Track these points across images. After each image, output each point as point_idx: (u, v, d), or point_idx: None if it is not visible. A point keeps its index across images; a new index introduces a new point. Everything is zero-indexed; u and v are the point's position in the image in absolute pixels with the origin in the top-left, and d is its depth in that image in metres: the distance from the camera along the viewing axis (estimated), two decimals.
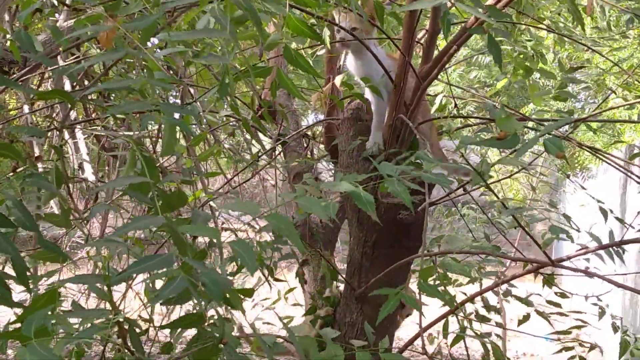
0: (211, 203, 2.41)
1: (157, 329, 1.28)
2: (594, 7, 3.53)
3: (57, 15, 2.92)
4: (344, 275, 2.53)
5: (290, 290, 3.04)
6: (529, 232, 2.21)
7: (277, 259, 2.19)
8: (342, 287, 2.64)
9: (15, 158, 1.31)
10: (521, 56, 3.20)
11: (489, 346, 1.98)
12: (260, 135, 2.98)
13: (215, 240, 1.21)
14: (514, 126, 1.43)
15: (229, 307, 1.28)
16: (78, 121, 3.20)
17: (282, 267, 3.24)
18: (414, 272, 2.57)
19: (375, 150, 2.39)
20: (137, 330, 1.34)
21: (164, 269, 1.06)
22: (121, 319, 1.23)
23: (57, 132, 3.02)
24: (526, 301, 2.62)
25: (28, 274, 1.27)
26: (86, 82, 2.96)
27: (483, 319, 2.53)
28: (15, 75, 2.33)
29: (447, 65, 2.34)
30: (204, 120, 2.59)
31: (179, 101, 3.08)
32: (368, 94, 2.48)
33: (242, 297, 1.39)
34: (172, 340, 1.75)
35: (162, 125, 1.79)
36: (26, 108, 3.04)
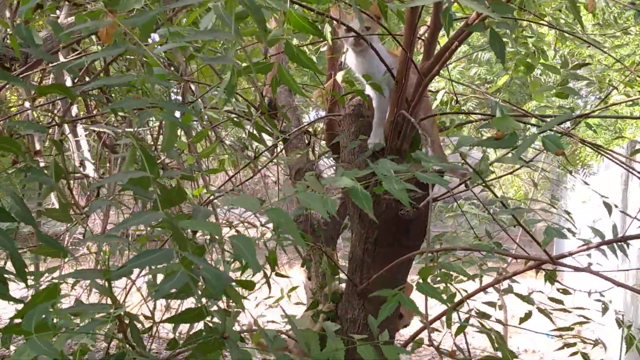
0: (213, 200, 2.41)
1: (157, 324, 1.28)
2: (595, 4, 3.52)
3: (57, 11, 2.92)
4: (345, 272, 2.53)
5: (293, 288, 3.04)
6: (529, 230, 2.20)
7: (276, 249, 2.18)
8: (343, 284, 2.65)
9: (15, 152, 1.31)
10: (523, 53, 3.19)
11: (493, 335, 1.97)
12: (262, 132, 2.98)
13: (216, 236, 1.21)
14: (510, 125, 1.43)
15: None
16: (79, 117, 3.20)
17: (283, 264, 3.24)
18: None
19: (377, 146, 2.39)
20: (140, 327, 1.34)
21: (164, 264, 1.06)
22: (122, 313, 1.23)
23: (58, 128, 3.02)
24: (528, 299, 2.62)
25: (29, 270, 1.27)
26: (87, 79, 2.96)
27: (484, 316, 2.52)
28: (16, 72, 2.33)
29: (448, 62, 2.33)
30: (205, 117, 2.59)
31: (180, 98, 3.08)
32: (369, 91, 2.47)
33: (244, 295, 1.40)
34: (175, 337, 1.75)
35: (164, 122, 1.79)
36: (27, 104, 3.05)
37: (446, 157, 2.61)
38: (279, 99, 3.29)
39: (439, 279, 2.29)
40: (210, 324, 1.26)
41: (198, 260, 1.06)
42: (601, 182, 7.21)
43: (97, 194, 3.18)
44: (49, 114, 3.66)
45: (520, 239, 2.72)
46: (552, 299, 2.65)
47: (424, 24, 2.68)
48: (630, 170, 2.67)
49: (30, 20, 2.82)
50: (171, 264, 1.10)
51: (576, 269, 2.19)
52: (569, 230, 2.36)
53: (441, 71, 2.41)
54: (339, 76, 2.70)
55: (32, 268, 3.34)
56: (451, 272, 2.47)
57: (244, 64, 1.73)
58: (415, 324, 2.61)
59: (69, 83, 2.96)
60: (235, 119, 2.69)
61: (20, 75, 2.30)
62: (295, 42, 1.82)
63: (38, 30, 2.70)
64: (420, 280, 1.76)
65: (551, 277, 2.59)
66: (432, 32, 2.24)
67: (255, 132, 2.44)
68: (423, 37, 2.52)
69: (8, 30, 2.35)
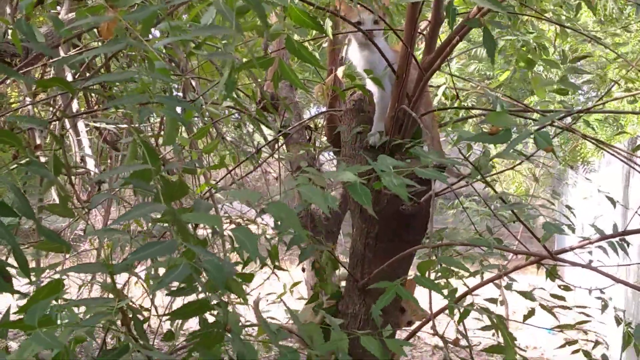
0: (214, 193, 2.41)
1: (161, 316, 1.29)
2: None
3: (58, 7, 2.92)
4: (346, 267, 2.54)
5: (296, 284, 3.05)
6: (529, 225, 2.21)
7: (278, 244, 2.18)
8: (343, 282, 2.65)
9: (15, 146, 1.31)
10: (524, 48, 3.19)
11: (494, 319, 1.97)
12: (263, 127, 2.98)
13: (217, 229, 1.22)
14: (505, 121, 1.43)
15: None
16: (80, 112, 3.20)
17: (284, 260, 3.24)
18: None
19: (377, 141, 2.39)
20: (140, 317, 1.34)
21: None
22: (124, 306, 1.23)
23: (58, 123, 3.03)
24: (530, 296, 2.62)
25: (30, 266, 1.27)
26: (87, 74, 2.96)
27: (485, 311, 2.52)
28: (17, 67, 2.33)
29: (449, 57, 2.33)
30: (206, 113, 2.59)
31: (181, 94, 3.08)
32: (370, 86, 2.48)
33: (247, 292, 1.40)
34: (173, 329, 1.76)
35: (164, 118, 1.79)
36: (28, 99, 3.05)
37: (444, 153, 2.61)
38: (280, 95, 3.29)
39: (439, 274, 2.29)
40: (213, 317, 1.26)
41: (201, 250, 1.06)
42: (602, 179, 7.22)
43: (98, 189, 3.18)
44: (50, 109, 3.66)
45: (522, 236, 2.71)
46: (553, 296, 2.65)
47: (424, 19, 2.68)
48: (632, 165, 2.67)
49: (31, 16, 2.83)
50: (174, 257, 1.10)
51: (575, 264, 2.19)
52: (569, 226, 2.37)
53: (442, 66, 2.42)
54: (340, 71, 2.70)
55: (33, 264, 3.34)
56: (453, 269, 2.48)
57: (245, 59, 1.73)
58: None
59: (69, 78, 2.96)
60: (235, 113, 2.70)
61: (21, 71, 2.30)
62: (296, 37, 1.82)
63: (39, 27, 2.70)
64: (419, 274, 1.77)
65: (552, 274, 2.60)
66: (433, 27, 2.24)
67: (254, 126, 2.44)
68: (424, 32, 2.52)
69: (9, 25, 2.35)
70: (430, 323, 1.92)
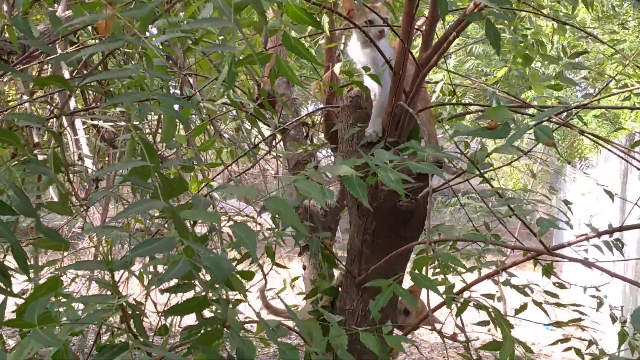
0: (209, 188, 2.41)
1: (160, 313, 1.29)
2: None
3: (55, 5, 2.91)
4: (344, 263, 2.54)
5: (296, 278, 3.05)
6: (525, 221, 2.21)
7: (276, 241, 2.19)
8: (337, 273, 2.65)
9: (14, 144, 1.31)
10: (522, 45, 3.19)
11: (491, 312, 1.97)
12: (261, 124, 2.98)
13: (216, 226, 1.22)
14: (504, 115, 1.43)
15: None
16: (78, 110, 3.20)
17: (282, 257, 3.25)
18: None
19: (374, 137, 2.39)
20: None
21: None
22: (124, 303, 1.23)
23: (56, 120, 3.02)
24: (523, 291, 2.62)
25: (29, 263, 1.27)
26: (85, 72, 2.95)
27: (483, 307, 2.53)
28: (14, 63, 2.33)
29: (446, 53, 2.34)
30: (204, 111, 2.59)
31: (178, 91, 3.08)
32: (369, 82, 2.48)
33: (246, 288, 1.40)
34: (166, 323, 1.76)
35: (162, 116, 1.79)
36: (25, 97, 3.05)
37: (442, 147, 2.61)
38: (277, 91, 3.29)
39: (437, 270, 2.29)
40: (210, 313, 1.27)
41: (200, 247, 1.06)
42: (600, 175, 7.22)
43: (96, 186, 3.18)
44: (48, 106, 3.66)
45: (519, 232, 2.71)
46: (547, 293, 2.66)
47: (421, 15, 2.69)
48: (629, 161, 2.67)
49: (28, 13, 2.82)
50: (173, 254, 1.10)
51: (572, 259, 2.20)
52: (566, 223, 2.37)
53: (439, 63, 2.42)
54: (337, 68, 2.71)
55: (31, 262, 3.34)
56: (450, 265, 2.48)
57: (242, 56, 1.73)
58: None
59: (67, 76, 2.96)
60: (233, 110, 2.69)
61: (16, 65, 2.29)
62: (293, 34, 1.82)
63: (36, 24, 2.70)
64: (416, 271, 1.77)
65: (547, 271, 2.60)
66: (430, 23, 2.25)
67: (251, 124, 2.44)
68: (421, 29, 2.53)
69: (5, 21, 2.35)
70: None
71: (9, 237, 1.22)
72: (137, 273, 1.88)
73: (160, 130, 2.95)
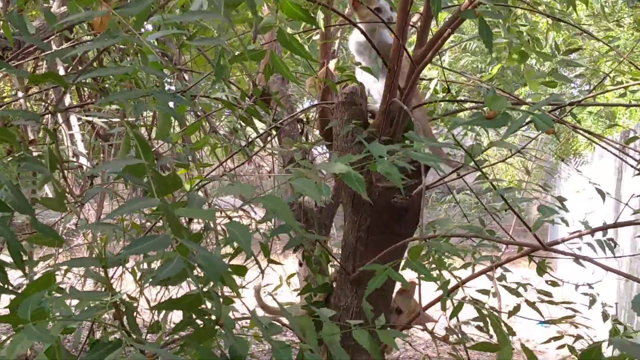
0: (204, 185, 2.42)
1: (153, 309, 1.29)
2: None
3: (51, 1, 2.91)
4: (338, 259, 2.54)
5: (292, 275, 3.06)
6: (520, 214, 2.21)
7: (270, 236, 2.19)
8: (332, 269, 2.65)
9: (9, 141, 1.32)
10: (519, 42, 3.20)
11: (485, 312, 1.97)
12: (255, 120, 2.98)
13: (210, 223, 1.22)
14: (503, 105, 1.42)
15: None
16: (72, 106, 3.20)
17: (277, 254, 3.25)
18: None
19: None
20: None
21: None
22: (118, 300, 1.23)
23: (51, 117, 3.02)
24: (516, 292, 2.63)
25: (24, 258, 1.27)
26: (80, 68, 2.95)
27: (478, 303, 2.53)
28: (8, 59, 2.33)
29: (440, 50, 2.34)
30: (199, 108, 2.59)
31: (173, 87, 3.08)
32: (367, 77, 2.49)
33: (241, 285, 1.40)
34: (159, 321, 1.76)
35: (157, 113, 1.79)
36: (20, 93, 3.04)
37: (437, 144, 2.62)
38: (271, 88, 3.29)
39: (433, 265, 2.30)
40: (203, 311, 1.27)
41: (194, 246, 1.07)
42: (595, 172, 7.24)
43: (91, 183, 3.18)
44: (42, 103, 3.66)
45: (515, 229, 2.73)
46: (540, 291, 2.67)
47: (416, 12, 2.69)
48: (623, 158, 2.68)
49: (23, 9, 2.82)
50: (167, 252, 1.10)
51: (567, 254, 2.20)
52: (562, 219, 2.37)
53: (434, 59, 2.43)
54: (332, 64, 2.71)
55: (25, 257, 3.33)
56: (445, 259, 2.48)
57: (237, 52, 1.73)
58: None
59: (62, 72, 2.95)
60: (227, 107, 2.70)
61: (11, 60, 2.29)
62: (289, 30, 1.83)
63: (31, 20, 2.70)
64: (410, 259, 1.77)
65: (540, 268, 2.61)
66: (425, 20, 2.25)
67: (246, 118, 2.44)
68: (416, 25, 2.53)
69: (1, 17, 2.35)
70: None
71: (5, 233, 1.22)
72: (131, 269, 1.88)
73: (154, 128, 2.96)
